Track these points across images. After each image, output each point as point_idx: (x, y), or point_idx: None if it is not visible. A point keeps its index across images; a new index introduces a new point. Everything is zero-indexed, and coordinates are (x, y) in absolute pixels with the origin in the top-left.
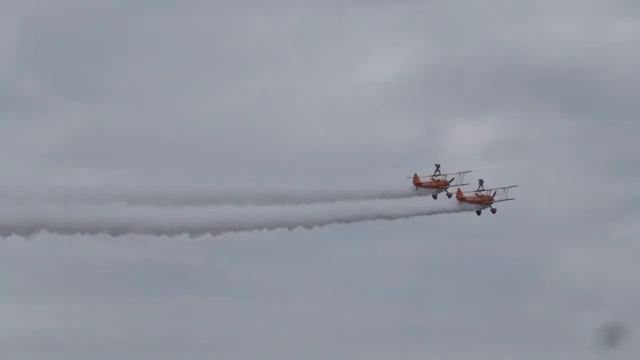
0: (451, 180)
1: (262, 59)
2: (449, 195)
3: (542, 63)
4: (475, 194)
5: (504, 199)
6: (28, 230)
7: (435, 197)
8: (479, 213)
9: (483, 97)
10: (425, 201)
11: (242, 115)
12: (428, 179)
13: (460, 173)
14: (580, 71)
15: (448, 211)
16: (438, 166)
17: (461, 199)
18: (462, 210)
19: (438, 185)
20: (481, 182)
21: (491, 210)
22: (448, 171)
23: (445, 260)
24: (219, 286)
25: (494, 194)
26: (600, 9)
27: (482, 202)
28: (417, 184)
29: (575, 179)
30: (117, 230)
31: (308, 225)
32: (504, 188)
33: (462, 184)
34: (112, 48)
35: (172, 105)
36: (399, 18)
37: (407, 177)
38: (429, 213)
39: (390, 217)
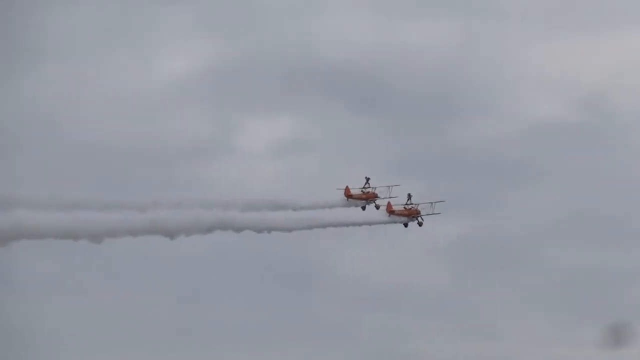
0: (377, 197)
1: (55, 53)
2: (377, 207)
3: (333, 62)
4: (404, 207)
5: (430, 213)
6: None
7: (364, 208)
8: (406, 225)
9: (275, 95)
10: (355, 212)
11: (33, 109)
12: (358, 191)
13: (388, 186)
14: (370, 71)
15: (377, 223)
16: (368, 179)
17: (390, 211)
18: (391, 222)
19: (367, 197)
20: (409, 196)
21: (418, 223)
22: (377, 184)
23: (239, 260)
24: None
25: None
26: (390, 10)
27: (410, 215)
28: (348, 195)
29: (362, 177)
30: None
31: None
32: (431, 203)
33: (390, 197)
34: None
35: None
36: (194, 14)
37: (338, 189)
38: (359, 224)
39: (321, 227)
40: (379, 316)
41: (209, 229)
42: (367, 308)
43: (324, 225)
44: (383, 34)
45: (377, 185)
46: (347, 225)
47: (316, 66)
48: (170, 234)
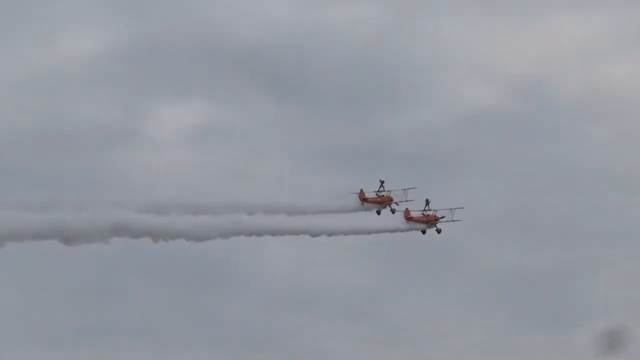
0: (393, 201)
1: None
2: (393, 212)
3: (252, 44)
4: (422, 214)
5: (450, 220)
6: None
7: (379, 212)
8: (424, 232)
9: (188, 78)
10: (373, 219)
11: None
12: (373, 195)
13: (404, 189)
14: (292, 54)
15: (394, 230)
16: (382, 182)
17: (409, 218)
18: (409, 229)
19: (382, 201)
20: (427, 201)
21: (436, 230)
22: (392, 187)
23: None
24: None
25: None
26: None
27: (429, 221)
28: (363, 199)
29: (282, 168)
30: None
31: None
32: (451, 209)
33: (406, 200)
34: None
35: None
36: None
37: (351, 192)
38: (376, 232)
39: (335, 234)
40: (299, 319)
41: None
42: (287, 311)
43: (336, 233)
44: (306, 13)
45: (393, 188)
46: (361, 233)
47: (234, 47)
48: (69, 240)
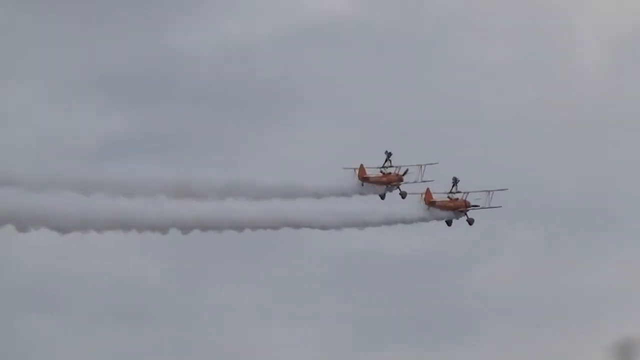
0: (405, 173)
1: None
2: (403, 195)
3: None
4: (448, 197)
5: (486, 206)
6: None
7: (382, 197)
8: (449, 223)
9: None
10: (381, 206)
11: None
12: (376, 172)
13: (420, 165)
14: None
15: (411, 220)
16: (389, 154)
17: (430, 202)
18: (432, 219)
19: (389, 181)
20: (455, 180)
21: (467, 221)
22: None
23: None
24: None
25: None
26: None
27: (457, 208)
28: (363, 178)
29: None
30: None
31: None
32: (488, 191)
33: (422, 181)
34: None
35: None
36: None
37: (345, 168)
38: (387, 223)
39: (327, 228)
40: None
41: None
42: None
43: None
44: None
45: (403, 163)
46: (366, 224)
47: None
48: None
